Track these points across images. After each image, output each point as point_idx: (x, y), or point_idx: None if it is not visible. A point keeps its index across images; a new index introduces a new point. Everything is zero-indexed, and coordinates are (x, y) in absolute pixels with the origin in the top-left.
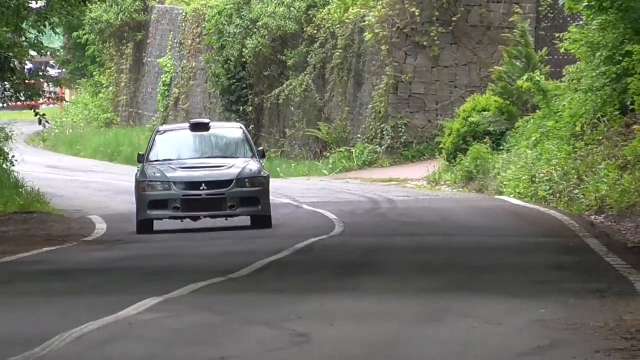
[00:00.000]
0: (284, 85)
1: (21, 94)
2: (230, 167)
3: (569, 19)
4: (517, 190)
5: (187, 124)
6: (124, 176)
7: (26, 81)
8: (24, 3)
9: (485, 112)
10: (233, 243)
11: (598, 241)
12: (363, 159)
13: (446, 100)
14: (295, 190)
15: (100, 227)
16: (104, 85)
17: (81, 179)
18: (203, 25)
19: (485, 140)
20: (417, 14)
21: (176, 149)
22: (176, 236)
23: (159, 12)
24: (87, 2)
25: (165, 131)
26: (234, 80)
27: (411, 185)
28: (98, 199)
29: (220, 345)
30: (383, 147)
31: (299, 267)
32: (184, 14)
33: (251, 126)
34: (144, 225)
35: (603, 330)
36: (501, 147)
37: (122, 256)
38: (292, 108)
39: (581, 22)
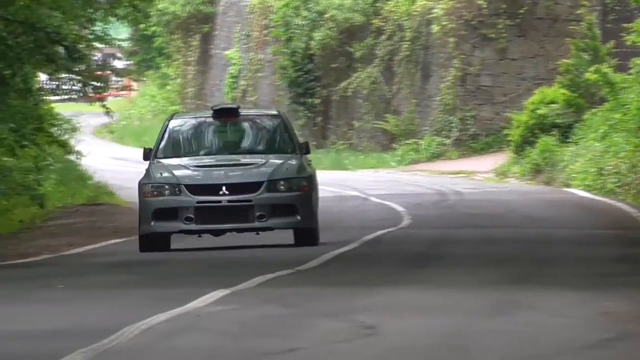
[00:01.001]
0: (352, 78)
1: (89, 86)
2: (262, 165)
3: (635, 11)
4: (585, 183)
5: (209, 111)
6: None
7: (94, 73)
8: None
9: (553, 105)
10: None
11: None
12: (431, 151)
13: (514, 93)
14: (363, 183)
15: None
16: (171, 77)
17: None
18: (270, 17)
19: (553, 132)
20: (484, 6)
21: (193, 142)
22: (238, 235)
23: (226, 4)
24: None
25: (181, 119)
26: (302, 73)
27: (479, 178)
28: None
29: (288, 338)
30: (451, 140)
31: (366, 260)
32: (251, 5)
33: (319, 118)
34: (148, 242)
35: None
36: (569, 140)
37: (189, 249)
38: (360, 100)
39: None
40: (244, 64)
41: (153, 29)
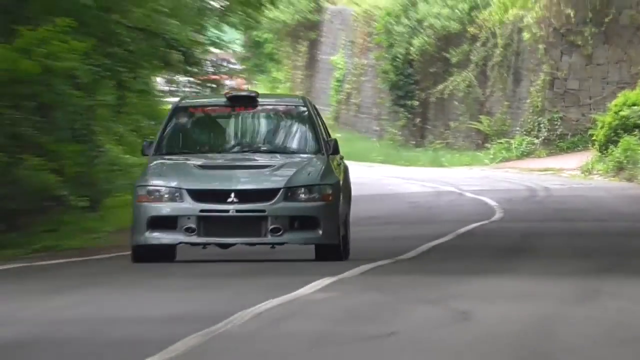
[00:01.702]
0: (448, 82)
1: (205, 89)
2: (280, 167)
3: None
4: None
5: (223, 97)
6: None
7: (209, 76)
8: (206, 4)
9: (635, 107)
10: (401, 228)
11: None
12: (521, 150)
13: (598, 96)
14: (458, 179)
15: None
16: (281, 82)
17: None
18: (373, 25)
19: (635, 133)
20: (572, 15)
21: (201, 136)
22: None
23: (332, 13)
24: (263, 5)
25: (188, 107)
26: (402, 77)
27: (566, 175)
28: None
29: (388, 323)
30: (540, 139)
31: (461, 250)
32: (355, 14)
33: (418, 119)
34: (140, 254)
35: None
36: None
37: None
38: (456, 102)
39: None
40: (348, 69)
41: (264, 36)
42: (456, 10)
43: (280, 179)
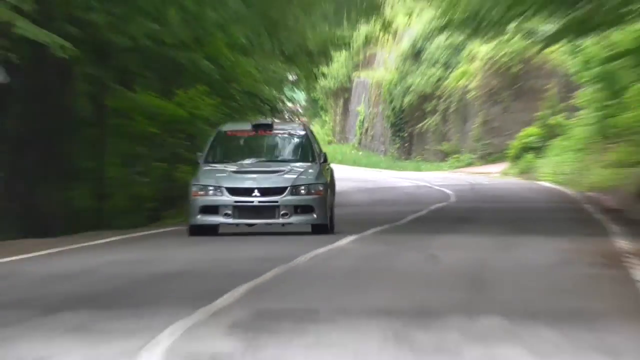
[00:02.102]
0: (425, 122)
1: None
2: (287, 172)
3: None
4: (548, 179)
5: (249, 125)
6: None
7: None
8: (284, 79)
9: (532, 137)
10: (397, 206)
11: (590, 206)
12: (466, 162)
13: (512, 131)
14: (430, 178)
15: None
16: (327, 122)
17: None
18: (381, 89)
19: (531, 152)
20: (496, 83)
21: (234, 151)
22: (365, 206)
23: (357, 82)
24: (318, 78)
25: (226, 131)
26: (398, 119)
27: (492, 176)
28: None
29: (390, 261)
30: (477, 156)
31: (431, 219)
32: (371, 83)
33: (406, 144)
34: (195, 230)
35: (591, 253)
36: (540, 156)
37: (337, 214)
38: (429, 134)
39: None
40: (366, 114)
41: (318, 95)
42: (430, 80)
43: (288, 180)
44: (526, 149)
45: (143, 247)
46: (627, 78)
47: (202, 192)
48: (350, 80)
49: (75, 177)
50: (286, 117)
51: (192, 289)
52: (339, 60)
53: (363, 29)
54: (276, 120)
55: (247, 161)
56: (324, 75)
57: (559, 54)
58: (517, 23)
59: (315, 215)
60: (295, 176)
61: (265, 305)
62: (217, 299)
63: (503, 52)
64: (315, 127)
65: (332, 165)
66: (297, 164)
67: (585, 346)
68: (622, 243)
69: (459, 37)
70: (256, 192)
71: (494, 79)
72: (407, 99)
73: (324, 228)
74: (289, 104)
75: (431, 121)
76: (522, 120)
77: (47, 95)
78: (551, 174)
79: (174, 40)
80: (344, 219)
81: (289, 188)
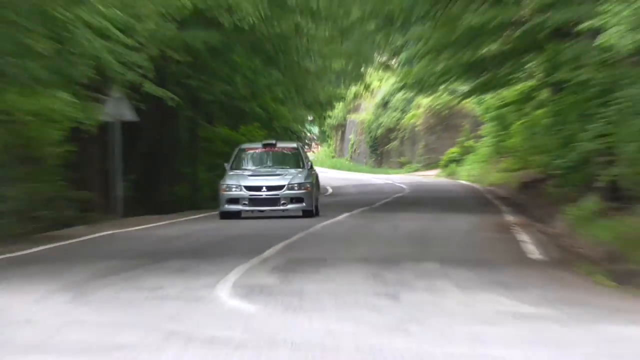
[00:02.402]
0: (390, 145)
1: (306, 146)
2: (285, 175)
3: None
4: (464, 178)
5: (260, 144)
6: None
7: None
8: (305, 119)
9: (453, 154)
10: (373, 195)
11: (489, 195)
12: (415, 168)
13: (444, 150)
14: (394, 179)
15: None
16: (331, 145)
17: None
18: (364, 124)
19: (454, 163)
20: (432, 121)
21: (250, 161)
22: (353, 195)
23: (349, 121)
24: (327, 117)
25: (245, 148)
26: (374, 143)
27: (430, 177)
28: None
29: (368, 229)
30: (422, 165)
31: (394, 203)
32: (359, 122)
33: (379, 158)
34: (223, 215)
35: (490, 224)
36: (460, 165)
37: (336, 200)
38: (392, 152)
39: None
40: (355, 140)
41: (325, 128)
42: (393, 120)
43: (286, 180)
44: (451, 160)
45: (218, 221)
46: (511, 118)
47: (227, 189)
48: (345, 119)
49: (179, 178)
50: (307, 142)
51: (248, 246)
52: (338, 107)
53: (353, 89)
54: (279, 141)
55: (260, 167)
56: (329, 116)
57: (470, 104)
58: (445, 85)
59: (304, 204)
60: (290, 177)
61: (293, 256)
62: (264, 252)
63: (437, 103)
64: (324, 148)
65: (333, 171)
66: (292, 170)
67: (487, 280)
68: (509, 217)
69: (410, 94)
70: (264, 188)
71: (431, 119)
72: (379, 131)
73: (310, 213)
74: (309, 134)
75: (394, 144)
76: (448, 144)
77: (162, 128)
78: (466, 176)
79: (239, 95)
80: (341, 202)
81: (286, 185)
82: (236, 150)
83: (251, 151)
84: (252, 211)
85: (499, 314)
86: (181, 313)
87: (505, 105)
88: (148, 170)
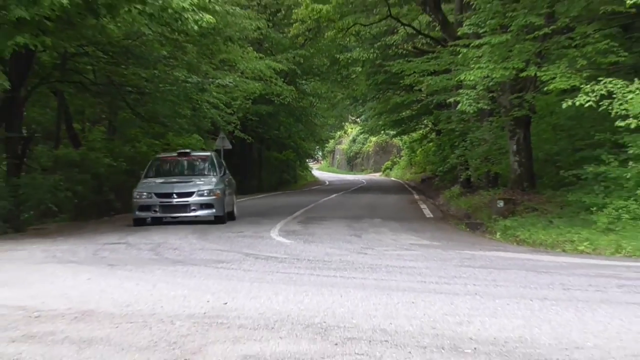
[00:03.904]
0: (356, 161)
1: (312, 159)
2: (196, 182)
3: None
4: (395, 176)
5: (175, 153)
6: None
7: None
8: (314, 147)
9: (388, 163)
10: (345, 187)
11: (407, 185)
12: (369, 172)
13: (383, 163)
14: (360, 178)
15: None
16: (328, 160)
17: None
18: (343, 151)
19: (389, 170)
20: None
21: (164, 169)
22: (337, 185)
23: (337, 148)
24: (326, 147)
25: (160, 157)
26: (350, 158)
27: (377, 176)
28: None
29: (346, 202)
30: (370, 169)
31: (360, 190)
32: (341, 149)
33: (353, 167)
34: (137, 222)
35: (407, 199)
36: (392, 170)
37: (330, 187)
38: (361, 164)
39: None
40: (339, 158)
41: (325, 152)
42: (359, 148)
43: (196, 187)
44: (387, 168)
45: (272, 197)
46: (416, 147)
47: (139, 197)
48: (334, 148)
49: (254, 177)
50: (315, 159)
51: (285, 210)
52: (331, 142)
53: (338, 133)
54: (194, 150)
55: (172, 176)
56: (326, 146)
57: (396, 140)
58: (384, 131)
59: (214, 210)
60: (201, 184)
61: (310, 215)
62: (294, 213)
63: (380, 140)
64: (324, 162)
65: (328, 174)
66: (203, 177)
67: (405, 228)
68: (416, 196)
69: (366, 135)
70: (174, 195)
71: (377, 147)
72: (351, 154)
73: (221, 218)
74: (316, 155)
75: (358, 160)
76: (385, 159)
77: (244, 152)
78: (394, 176)
79: (283, 136)
80: (332, 188)
81: (195, 192)
82: (152, 160)
83: (166, 160)
84: (164, 218)
85: (411, 244)
86: (253, 243)
87: (413, 140)
88: (239, 174)
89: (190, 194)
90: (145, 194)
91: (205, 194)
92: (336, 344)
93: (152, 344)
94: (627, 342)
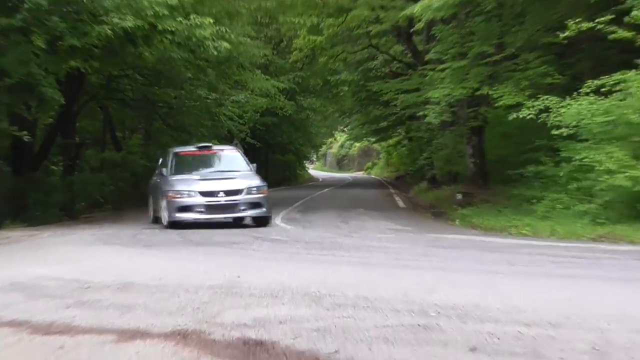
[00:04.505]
0: (345, 162)
1: (308, 161)
2: (239, 178)
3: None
4: (376, 174)
5: (195, 147)
6: None
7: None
8: (311, 152)
9: (369, 167)
10: (340, 183)
11: (384, 182)
12: (354, 171)
13: (365, 163)
14: (347, 175)
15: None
16: (321, 162)
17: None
18: (333, 154)
19: (370, 170)
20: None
21: (193, 165)
22: (330, 182)
23: (328, 152)
24: (319, 151)
25: (178, 152)
26: (340, 161)
27: (360, 175)
28: None
29: (337, 195)
30: (354, 169)
31: (347, 185)
32: (332, 152)
33: (340, 168)
34: (172, 225)
35: (385, 193)
36: (373, 170)
37: (323, 184)
38: (349, 165)
39: None
40: (330, 159)
41: (320, 155)
42: (345, 151)
43: (244, 184)
44: (368, 168)
45: (278, 192)
46: (392, 151)
47: (178, 196)
48: (326, 152)
49: (262, 175)
50: (311, 161)
51: (288, 201)
52: (324, 146)
53: (329, 140)
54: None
55: (191, 173)
56: (320, 150)
57: (376, 145)
58: (366, 138)
59: (264, 209)
60: (246, 180)
61: (307, 206)
62: (294, 204)
63: (363, 145)
64: (318, 163)
65: (321, 173)
66: (241, 172)
67: (384, 216)
68: (391, 190)
69: (352, 141)
70: (221, 193)
71: (360, 151)
72: (340, 156)
73: (267, 220)
74: (312, 157)
75: (345, 162)
76: (367, 161)
77: (254, 155)
78: (374, 174)
79: (286, 142)
80: (325, 184)
81: (245, 189)
82: (170, 154)
83: (189, 155)
84: (209, 220)
85: (388, 229)
86: (260, 229)
87: (390, 146)
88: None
89: (239, 192)
90: (186, 192)
91: (254, 192)
92: (327, 309)
93: (180, 309)
94: (558, 306)
